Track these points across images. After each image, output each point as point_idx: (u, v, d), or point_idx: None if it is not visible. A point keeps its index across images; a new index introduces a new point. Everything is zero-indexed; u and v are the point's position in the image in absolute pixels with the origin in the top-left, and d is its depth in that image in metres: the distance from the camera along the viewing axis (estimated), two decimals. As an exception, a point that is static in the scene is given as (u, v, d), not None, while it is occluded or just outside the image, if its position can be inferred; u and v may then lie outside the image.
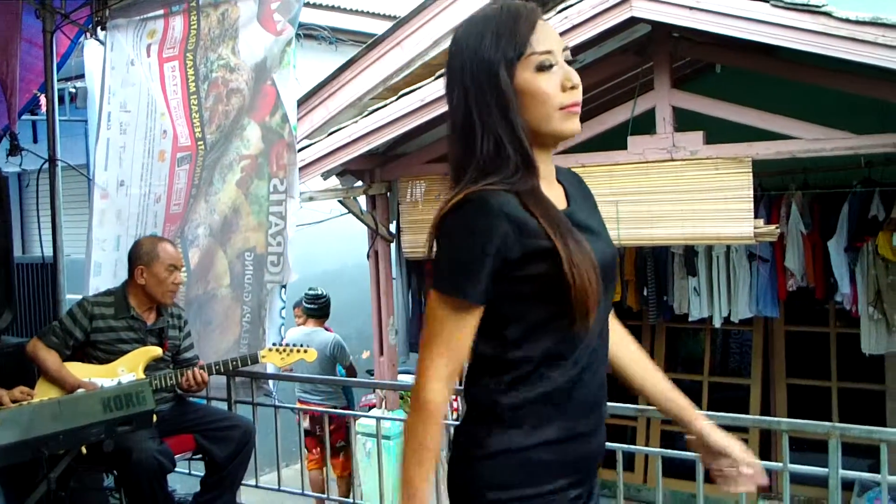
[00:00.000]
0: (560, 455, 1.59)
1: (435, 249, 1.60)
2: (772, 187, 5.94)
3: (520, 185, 1.56)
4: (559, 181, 1.73)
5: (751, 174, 4.38)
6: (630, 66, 4.89)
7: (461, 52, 1.62)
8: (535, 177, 1.59)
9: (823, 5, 3.71)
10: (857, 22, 3.64)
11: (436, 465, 1.60)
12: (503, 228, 1.51)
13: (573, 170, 1.85)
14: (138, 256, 3.99)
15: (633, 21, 4.25)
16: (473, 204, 1.53)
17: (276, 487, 4.58)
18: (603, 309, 1.62)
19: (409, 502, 1.57)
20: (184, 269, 4.07)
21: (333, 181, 5.93)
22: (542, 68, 1.58)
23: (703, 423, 1.81)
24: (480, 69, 1.58)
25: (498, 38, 1.58)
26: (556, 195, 1.67)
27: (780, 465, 3.26)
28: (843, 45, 3.70)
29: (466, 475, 1.62)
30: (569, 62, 1.62)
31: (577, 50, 4.47)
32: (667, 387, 1.85)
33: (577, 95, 1.60)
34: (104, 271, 4.76)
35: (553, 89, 1.58)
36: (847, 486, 5.54)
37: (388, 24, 5.49)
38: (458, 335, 1.57)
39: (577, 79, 1.60)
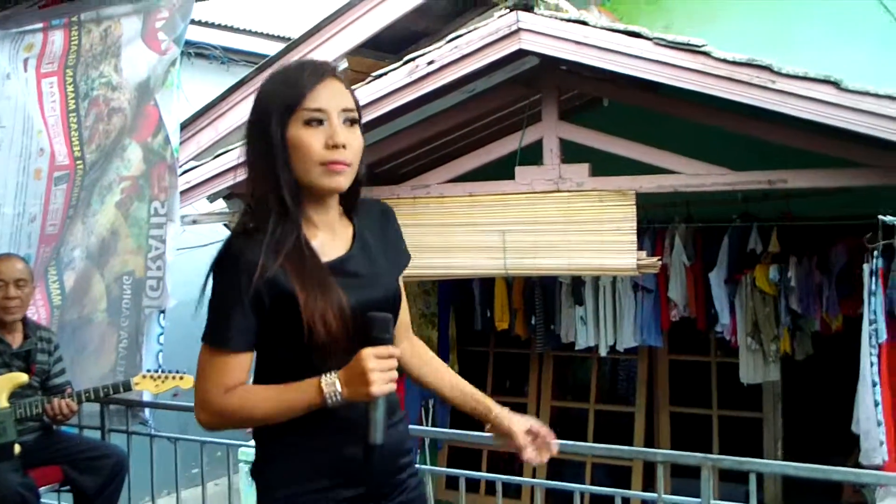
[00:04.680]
0: (315, 461, 1.77)
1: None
2: (656, 219, 6.07)
3: (278, 237, 1.70)
4: (352, 221, 1.87)
5: (634, 207, 4.46)
6: (519, 97, 4.93)
7: (254, 102, 1.78)
8: (294, 228, 1.72)
9: (703, 45, 3.81)
10: (733, 63, 3.76)
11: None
12: (254, 282, 1.67)
13: (385, 202, 2.02)
14: None
15: (521, 53, 4.30)
16: (230, 257, 1.71)
17: (151, 519, 4.43)
18: (357, 347, 1.69)
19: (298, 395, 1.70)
20: (22, 283, 3.84)
21: (220, 204, 5.81)
22: (309, 123, 1.72)
23: (496, 412, 2.00)
24: (259, 119, 1.74)
25: (276, 92, 1.74)
26: (337, 239, 1.83)
27: (656, 495, 3.32)
28: (721, 85, 3.82)
29: (254, 475, 1.86)
30: (354, 122, 1.76)
31: (467, 79, 4.50)
32: (465, 387, 2.05)
33: (340, 155, 1.72)
34: (-28, 293, 4.55)
35: (316, 145, 1.71)
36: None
37: (281, 46, 5.42)
38: (220, 377, 1.72)
39: (342, 139, 1.72)
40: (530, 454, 1.96)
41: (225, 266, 1.71)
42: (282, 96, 1.72)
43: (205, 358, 1.74)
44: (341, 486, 1.78)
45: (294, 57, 4.97)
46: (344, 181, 1.75)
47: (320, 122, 1.72)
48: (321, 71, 1.76)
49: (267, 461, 1.82)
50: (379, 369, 1.64)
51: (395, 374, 1.69)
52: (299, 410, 1.70)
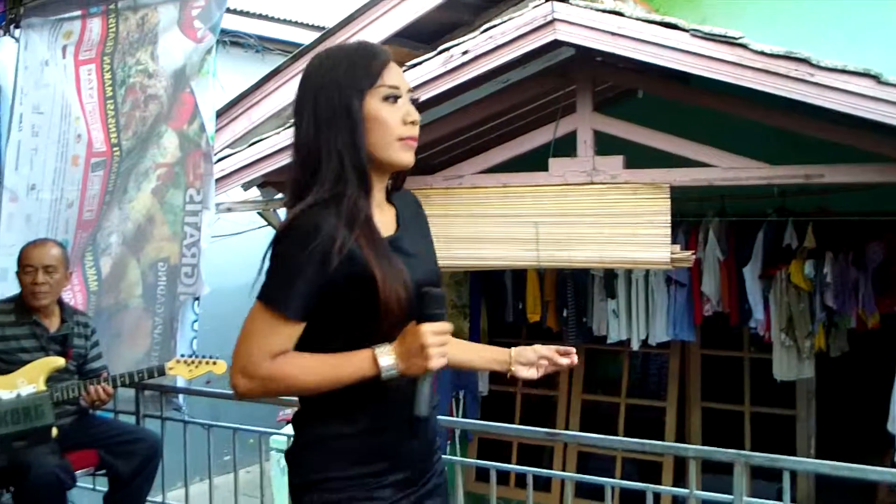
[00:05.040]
0: (369, 444, 1.77)
1: (266, 263, 1.71)
2: (690, 213, 6.03)
3: (353, 212, 1.69)
4: (393, 204, 1.90)
5: (668, 200, 4.43)
6: (553, 88, 4.92)
7: (315, 80, 1.77)
8: (367, 201, 1.74)
9: (740, 37, 3.77)
10: (771, 55, 3.71)
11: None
12: (329, 253, 1.65)
13: (415, 193, 2.03)
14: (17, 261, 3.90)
15: (556, 44, 4.28)
16: (305, 226, 1.66)
17: (184, 504, 4.48)
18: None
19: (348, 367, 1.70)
20: (52, 269, 3.83)
21: (254, 192, 5.85)
22: (389, 99, 1.75)
23: (511, 351, 2.08)
24: (333, 94, 1.73)
25: (353, 68, 1.75)
26: (386, 219, 1.84)
27: (688, 491, 3.30)
28: (758, 77, 3.77)
29: (295, 461, 1.83)
30: (415, 104, 1.80)
31: (501, 70, 4.48)
32: (475, 346, 2.19)
33: (415, 131, 1.79)
34: (10, 277, 4.59)
35: (395, 120, 1.75)
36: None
37: (316, 35, 5.44)
38: (270, 342, 1.69)
39: (417, 116, 1.79)
40: (563, 361, 2.05)
41: (297, 235, 1.67)
42: (359, 72, 1.74)
43: (256, 320, 1.70)
44: (390, 471, 1.79)
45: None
46: (413, 157, 1.80)
47: (396, 98, 1.76)
48: (387, 53, 1.80)
49: (312, 446, 1.80)
50: (436, 344, 1.67)
51: (447, 350, 1.72)
52: (348, 383, 1.70)
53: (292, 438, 1.88)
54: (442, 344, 1.69)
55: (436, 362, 1.67)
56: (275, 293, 1.68)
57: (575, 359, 2.06)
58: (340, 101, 1.72)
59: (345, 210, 1.68)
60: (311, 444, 1.80)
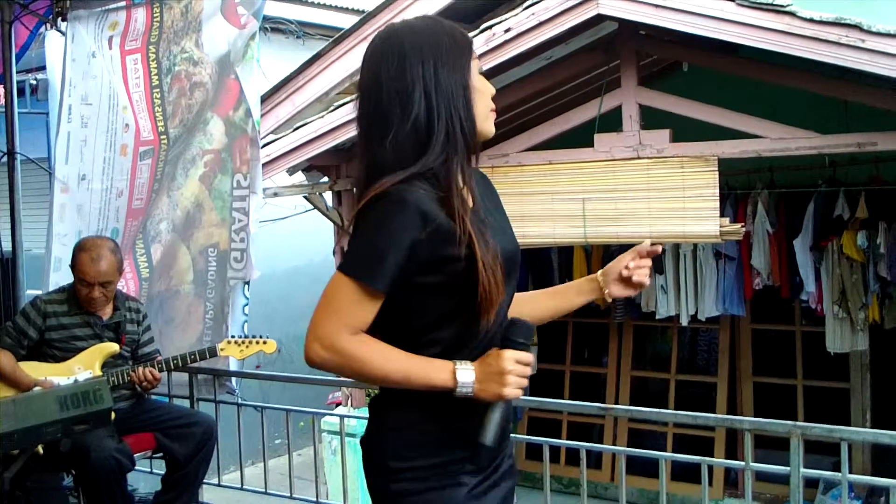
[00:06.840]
0: (449, 430, 1.71)
1: (350, 236, 1.68)
2: (738, 186, 5.96)
3: (454, 184, 1.66)
4: None
5: (716, 173, 4.39)
6: (597, 64, 4.88)
7: (414, 53, 1.69)
8: (469, 171, 1.71)
9: (788, 5, 3.71)
10: (820, 22, 3.65)
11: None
12: (417, 226, 1.61)
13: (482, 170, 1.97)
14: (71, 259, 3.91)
15: (599, 18, 4.24)
16: (392, 198, 1.61)
17: (239, 486, 4.53)
18: (505, 301, 1.74)
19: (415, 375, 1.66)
20: (107, 283, 3.83)
21: (299, 177, 5.88)
22: (481, 73, 1.78)
23: (598, 275, 1.98)
24: (446, 67, 1.70)
25: (456, 41, 1.73)
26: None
27: (743, 463, 3.27)
28: (807, 45, 3.71)
29: (374, 446, 1.77)
30: None
31: (544, 46, 4.46)
32: (552, 290, 2.05)
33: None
34: (64, 266, 4.68)
35: (488, 92, 1.79)
36: (812, 482, 5.58)
37: (356, 19, 5.44)
38: (352, 314, 1.64)
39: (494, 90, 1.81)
40: (645, 260, 1.95)
41: (389, 205, 1.61)
42: (461, 45, 1.74)
43: (339, 290, 1.64)
44: (468, 458, 1.72)
45: (369, 30, 4.99)
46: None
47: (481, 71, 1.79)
48: None
49: (391, 431, 1.74)
50: (516, 373, 1.64)
51: (526, 382, 1.68)
52: (421, 386, 1.66)
53: (368, 423, 1.82)
54: (522, 375, 1.65)
55: (511, 391, 1.63)
56: (363, 262, 1.63)
57: (658, 248, 1.97)
58: (455, 71, 1.70)
59: (445, 183, 1.65)
60: (389, 430, 1.75)
